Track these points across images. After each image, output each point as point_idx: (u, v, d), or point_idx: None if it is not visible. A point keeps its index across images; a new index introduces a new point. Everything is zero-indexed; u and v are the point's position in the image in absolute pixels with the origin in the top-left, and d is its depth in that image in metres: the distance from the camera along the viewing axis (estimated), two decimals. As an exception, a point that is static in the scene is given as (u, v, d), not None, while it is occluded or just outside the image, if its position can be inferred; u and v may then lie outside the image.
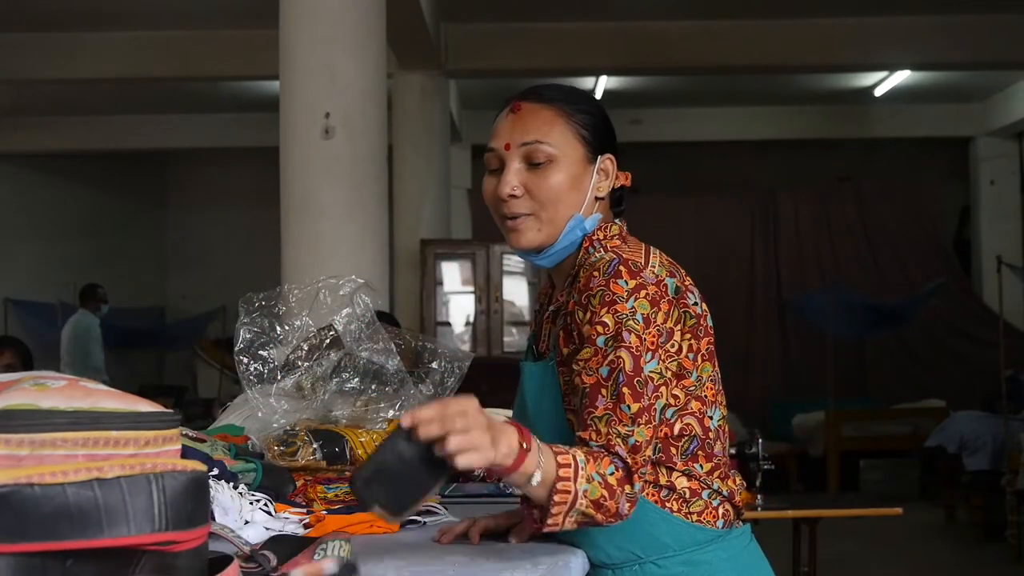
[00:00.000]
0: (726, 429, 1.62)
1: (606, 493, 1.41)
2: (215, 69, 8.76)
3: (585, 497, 1.40)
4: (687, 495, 1.56)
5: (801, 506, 4.76)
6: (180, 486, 0.92)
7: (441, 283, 8.31)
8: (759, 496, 4.18)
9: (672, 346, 1.52)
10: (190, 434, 1.77)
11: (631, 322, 1.47)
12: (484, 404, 2.36)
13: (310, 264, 4.85)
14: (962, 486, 7.92)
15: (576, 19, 8.49)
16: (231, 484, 1.65)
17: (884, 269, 11.70)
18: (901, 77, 10.17)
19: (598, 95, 10.49)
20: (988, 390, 8.82)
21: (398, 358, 1.95)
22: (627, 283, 1.49)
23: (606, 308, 1.47)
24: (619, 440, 1.44)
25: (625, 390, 1.45)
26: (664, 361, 1.50)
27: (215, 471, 1.65)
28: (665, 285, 1.52)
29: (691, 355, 1.55)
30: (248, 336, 1.91)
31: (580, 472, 1.40)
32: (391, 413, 1.93)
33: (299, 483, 1.80)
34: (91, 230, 12.19)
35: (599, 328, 1.47)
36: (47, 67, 8.59)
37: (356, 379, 1.94)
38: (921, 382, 10.89)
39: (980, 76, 10.50)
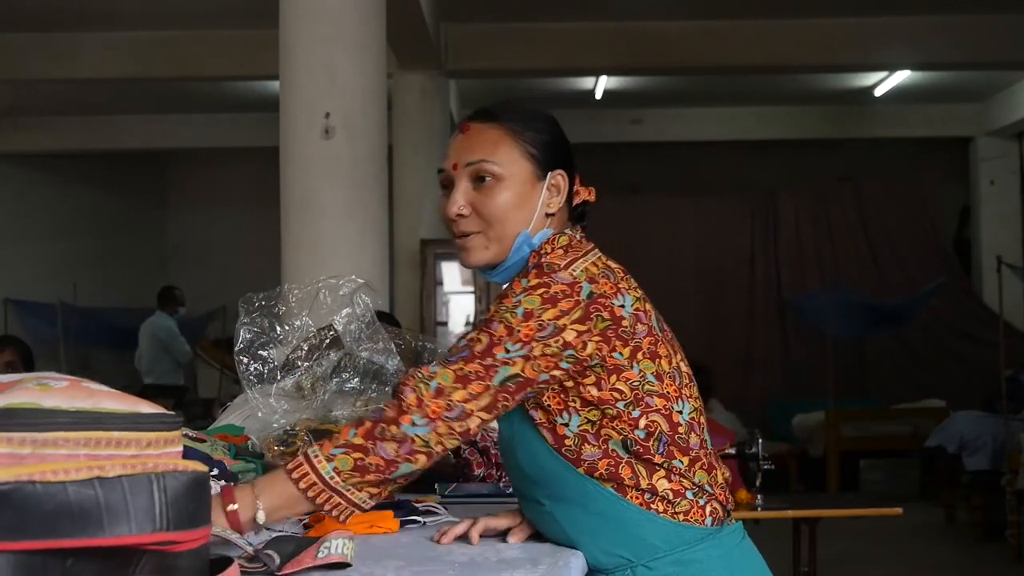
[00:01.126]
0: (701, 422, 1.61)
1: (360, 454, 1.45)
2: (215, 69, 8.76)
3: (339, 474, 1.45)
4: (670, 496, 1.55)
5: (801, 506, 4.76)
6: (181, 486, 0.93)
7: (441, 283, 8.31)
8: (759, 496, 4.17)
9: (558, 342, 1.51)
10: (190, 434, 1.77)
11: (507, 314, 1.51)
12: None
13: (310, 264, 4.85)
14: (962, 486, 7.92)
15: (576, 19, 8.49)
16: (231, 484, 1.65)
17: (884, 269, 11.69)
18: (901, 77, 10.17)
19: (598, 95, 10.50)
20: (988, 390, 8.81)
21: (398, 358, 1.95)
22: (528, 281, 1.53)
23: (497, 301, 1.55)
24: (419, 384, 1.48)
25: (459, 360, 1.49)
26: (537, 356, 1.50)
27: (215, 471, 1.65)
28: (579, 287, 1.53)
29: (615, 354, 1.53)
30: (248, 336, 1.92)
31: (314, 460, 1.45)
32: (391, 413, 1.93)
33: (299, 483, 1.79)
34: (91, 230, 12.18)
35: (482, 318, 1.54)
36: (47, 67, 8.58)
37: (356, 379, 1.95)
38: (921, 382, 10.88)
39: (980, 76, 10.49)
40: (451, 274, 8.46)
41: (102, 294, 11.88)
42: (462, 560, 1.47)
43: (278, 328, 1.94)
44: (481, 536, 1.60)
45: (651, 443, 1.55)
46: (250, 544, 1.38)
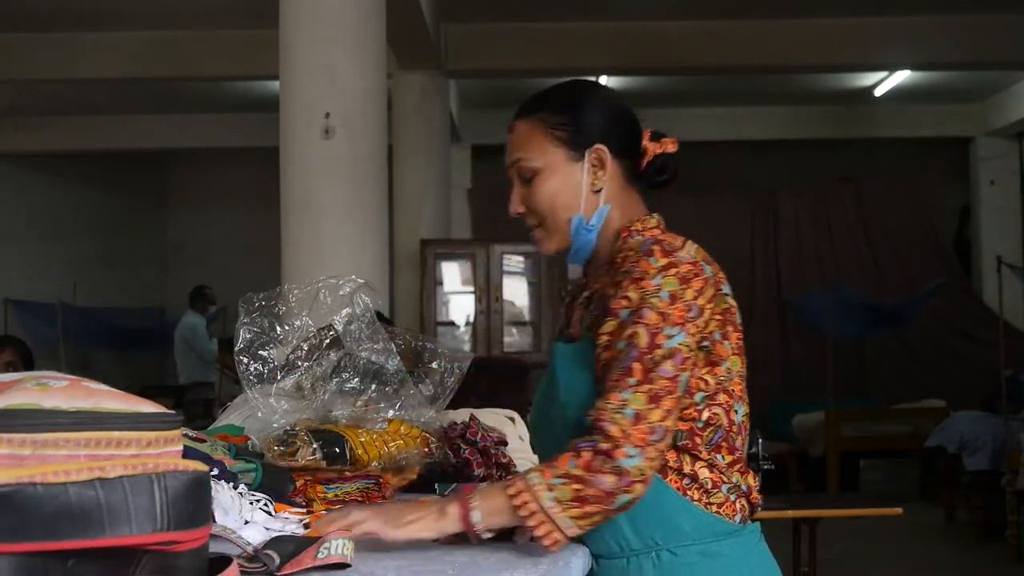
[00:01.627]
0: (748, 426, 1.65)
1: (580, 485, 1.45)
2: (215, 69, 8.76)
3: (558, 503, 1.45)
4: (708, 485, 1.59)
5: (801, 506, 4.77)
6: (182, 486, 0.93)
7: (441, 283, 8.31)
8: (759, 496, 4.17)
9: (703, 322, 1.55)
10: (190, 434, 1.77)
11: (654, 299, 1.52)
12: (484, 404, 2.36)
13: (310, 264, 4.85)
14: (962, 486, 7.92)
15: (576, 19, 8.49)
16: (231, 484, 1.65)
17: (884, 269, 11.70)
18: (901, 77, 10.17)
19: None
20: (988, 390, 8.81)
21: (398, 358, 1.95)
22: (657, 261, 1.55)
23: (633, 284, 1.54)
24: (614, 415, 1.47)
25: (635, 364, 1.49)
26: (693, 335, 1.53)
27: (215, 471, 1.65)
28: (700, 267, 1.57)
29: (725, 343, 1.58)
30: (248, 336, 1.92)
31: (535, 488, 1.46)
32: (391, 413, 1.93)
33: (299, 483, 1.80)
34: (91, 230, 12.18)
35: (623, 302, 1.54)
36: (47, 67, 8.59)
37: (356, 379, 1.94)
38: (921, 382, 10.88)
39: (980, 76, 10.50)
40: (451, 274, 8.46)
41: (102, 294, 11.88)
42: (462, 560, 1.48)
43: (278, 328, 1.94)
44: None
45: (705, 435, 1.58)
46: (250, 544, 1.38)
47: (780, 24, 8.57)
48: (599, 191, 1.66)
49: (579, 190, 1.65)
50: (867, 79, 10.42)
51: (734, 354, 1.60)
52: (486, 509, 1.49)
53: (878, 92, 10.71)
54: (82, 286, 11.16)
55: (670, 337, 1.51)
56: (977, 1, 8.20)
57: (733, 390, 1.60)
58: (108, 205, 12.48)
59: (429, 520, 1.49)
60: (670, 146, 1.73)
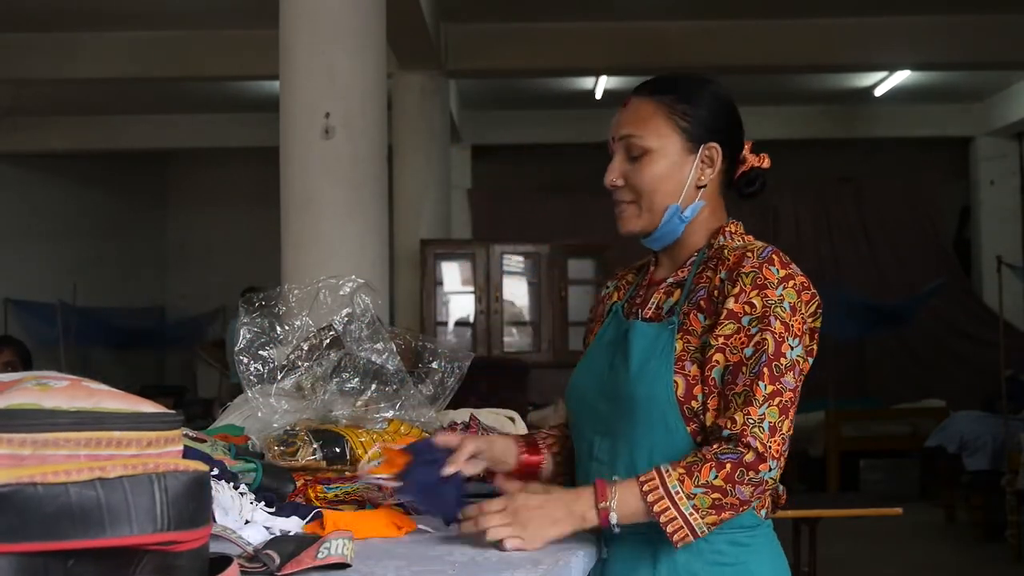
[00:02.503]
0: (791, 431, 1.69)
1: (719, 495, 1.52)
2: (215, 69, 8.76)
3: (697, 511, 1.52)
4: None
5: (801, 506, 4.77)
6: (182, 486, 0.93)
7: (441, 283, 8.31)
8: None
9: (807, 337, 1.62)
10: (190, 434, 1.77)
11: (778, 308, 1.57)
12: (484, 404, 2.36)
13: (310, 264, 4.85)
14: (962, 486, 7.92)
15: (576, 19, 8.49)
16: (231, 484, 1.65)
17: (884, 269, 11.70)
18: (901, 77, 10.17)
19: (598, 95, 10.50)
20: (988, 390, 8.81)
21: (398, 358, 1.95)
22: (778, 271, 1.60)
23: (756, 290, 1.59)
24: (755, 430, 1.53)
25: (765, 370, 1.56)
26: (804, 347, 1.60)
27: (215, 471, 1.65)
28: (809, 282, 1.63)
29: (810, 359, 1.64)
30: (248, 336, 1.92)
31: (675, 496, 1.53)
32: (391, 413, 1.93)
33: (299, 483, 1.80)
34: (91, 230, 12.18)
35: (746, 307, 1.58)
36: (47, 67, 8.58)
37: (356, 379, 1.94)
38: (921, 382, 10.88)
39: (980, 76, 10.49)
40: (451, 274, 8.45)
41: (102, 294, 11.88)
42: (462, 560, 1.48)
43: (278, 328, 1.94)
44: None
45: None
46: (250, 544, 1.38)
47: (780, 24, 8.57)
48: (702, 187, 1.71)
49: (684, 181, 1.69)
50: (867, 79, 10.41)
51: (810, 369, 1.66)
52: (624, 513, 1.55)
53: (878, 92, 10.71)
54: (82, 286, 11.15)
55: (792, 348, 1.58)
56: (977, 1, 8.20)
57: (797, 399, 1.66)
58: (108, 205, 12.48)
59: (567, 528, 1.56)
60: (766, 161, 1.79)
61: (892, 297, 10.78)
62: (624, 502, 1.55)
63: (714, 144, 1.70)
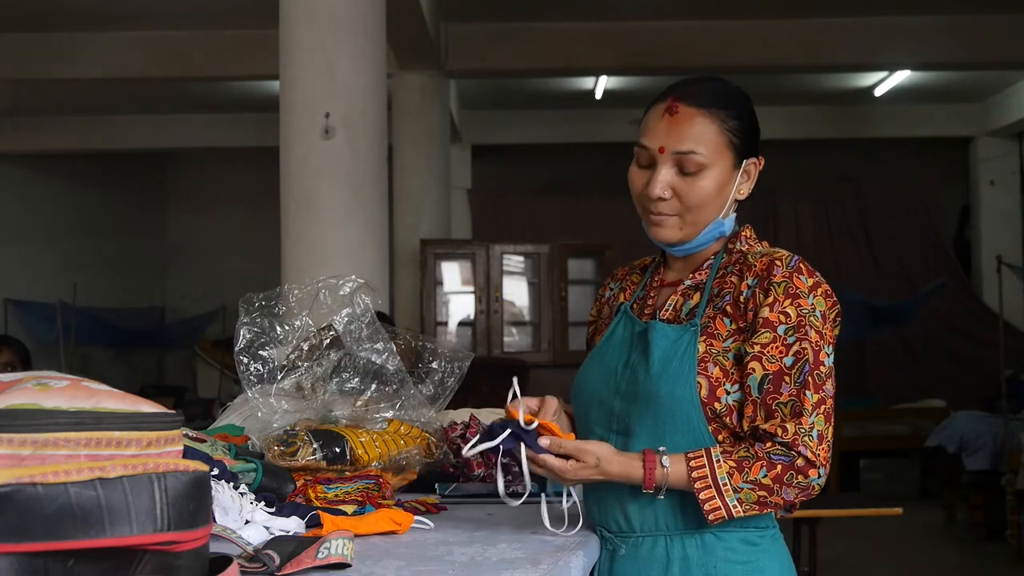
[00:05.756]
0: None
1: (765, 493, 1.56)
2: (215, 69, 8.76)
3: (741, 504, 1.56)
4: None
5: (801, 506, 4.76)
6: (182, 486, 0.93)
7: (441, 283, 8.31)
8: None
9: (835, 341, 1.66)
10: (190, 434, 1.77)
11: (812, 318, 1.61)
12: (484, 404, 2.35)
13: (310, 264, 4.85)
14: (962, 486, 7.92)
15: (576, 19, 8.49)
16: (231, 484, 1.65)
17: (884, 269, 11.70)
18: (901, 77, 10.17)
19: (598, 95, 10.50)
20: (988, 390, 8.81)
21: (398, 358, 1.95)
22: (807, 280, 1.63)
23: (789, 300, 1.61)
24: (806, 439, 1.57)
25: (809, 380, 1.59)
26: (833, 354, 1.64)
27: (215, 471, 1.65)
28: (830, 289, 1.66)
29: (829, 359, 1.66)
30: (248, 336, 1.91)
31: (723, 488, 1.56)
32: (391, 413, 1.93)
33: (299, 483, 1.80)
34: (91, 230, 12.19)
35: (781, 317, 1.61)
36: (47, 67, 8.59)
37: (356, 379, 1.94)
38: (921, 382, 10.89)
39: (980, 76, 10.50)
40: (451, 274, 8.45)
41: (102, 294, 11.89)
42: (462, 560, 1.48)
43: (278, 328, 1.94)
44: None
45: None
46: (250, 544, 1.38)
47: (780, 24, 8.57)
48: (740, 200, 1.72)
49: (729, 196, 1.70)
50: (867, 79, 10.42)
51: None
52: (671, 486, 1.59)
53: (878, 92, 10.71)
54: (82, 286, 11.16)
55: (828, 356, 1.62)
56: (977, 1, 8.20)
57: None
58: (108, 205, 12.49)
59: (622, 475, 1.60)
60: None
61: (892, 297, 10.78)
62: (675, 482, 1.58)
63: (754, 159, 1.71)
